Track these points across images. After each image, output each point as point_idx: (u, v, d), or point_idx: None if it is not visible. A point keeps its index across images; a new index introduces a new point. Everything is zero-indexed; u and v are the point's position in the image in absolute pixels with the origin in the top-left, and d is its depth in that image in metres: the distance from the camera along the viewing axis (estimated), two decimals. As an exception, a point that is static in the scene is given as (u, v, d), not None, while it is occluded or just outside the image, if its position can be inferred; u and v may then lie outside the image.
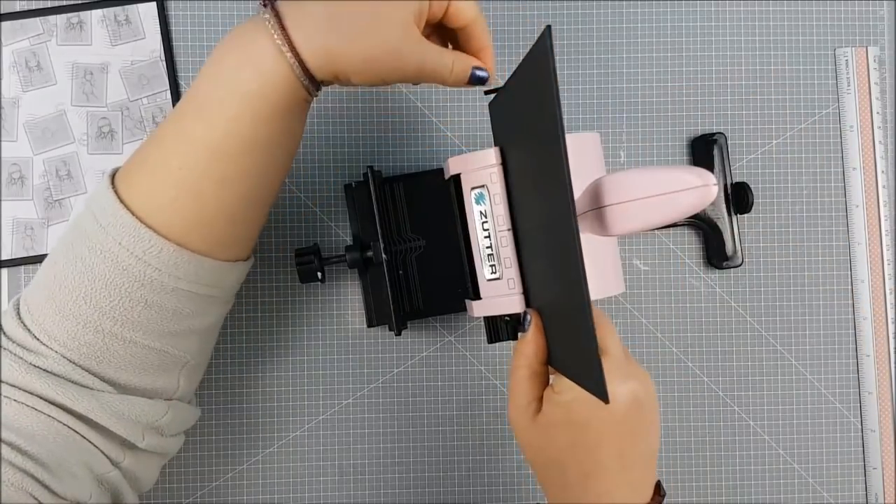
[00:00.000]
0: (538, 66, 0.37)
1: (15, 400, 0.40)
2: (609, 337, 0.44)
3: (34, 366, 0.40)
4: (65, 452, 0.40)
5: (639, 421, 0.43)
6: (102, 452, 0.42)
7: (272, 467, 0.60)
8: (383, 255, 0.52)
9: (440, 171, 0.54)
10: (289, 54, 0.39)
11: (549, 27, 0.36)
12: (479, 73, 0.45)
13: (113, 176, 0.43)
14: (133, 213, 0.41)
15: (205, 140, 0.40)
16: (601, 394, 0.35)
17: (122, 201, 0.41)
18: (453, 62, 0.44)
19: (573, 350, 0.40)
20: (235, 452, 0.60)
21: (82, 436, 0.41)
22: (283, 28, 0.39)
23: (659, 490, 0.45)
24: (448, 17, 0.44)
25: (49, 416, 0.40)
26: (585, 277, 0.35)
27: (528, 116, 0.40)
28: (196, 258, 0.42)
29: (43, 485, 0.38)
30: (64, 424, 0.40)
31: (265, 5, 0.40)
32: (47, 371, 0.40)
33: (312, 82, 0.42)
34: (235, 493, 0.59)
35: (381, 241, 0.53)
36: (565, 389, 0.42)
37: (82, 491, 0.40)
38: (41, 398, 0.40)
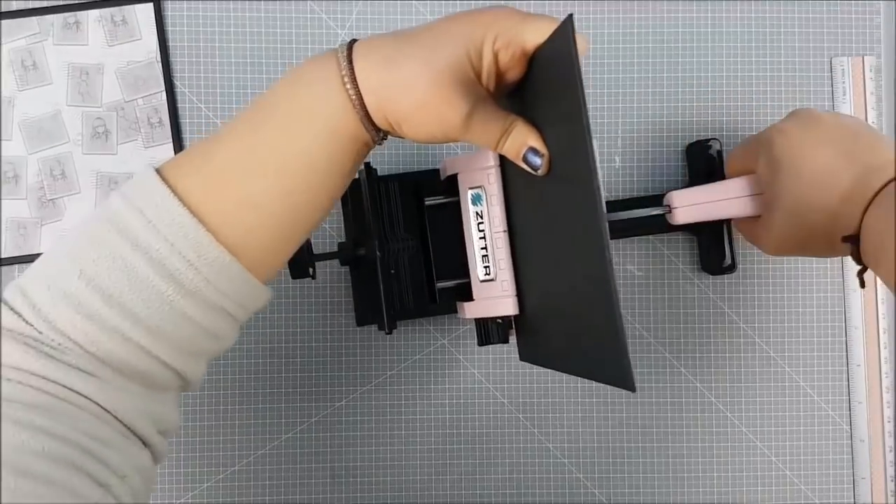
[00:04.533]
0: (557, 59, 0.36)
1: (38, 388, 0.36)
2: None
3: (55, 358, 0.37)
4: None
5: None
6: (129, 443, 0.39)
7: (264, 469, 0.60)
8: (377, 253, 0.52)
9: (436, 171, 0.54)
10: (351, 90, 0.38)
11: (571, 16, 0.34)
12: (531, 157, 0.40)
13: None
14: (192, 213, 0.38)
15: (275, 148, 0.39)
16: (629, 385, 0.34)
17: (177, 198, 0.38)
18: (503, 137, 0.40)
19: (589, 346, 0.39)
20: (227, 454, 0.59)
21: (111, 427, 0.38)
22: (350, 62, 0.39)
23: None
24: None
25: (74, 404, 0.36)
26: (612, 267, 0.34)
27: (542, 110, 0.40)
28: (244, 273, 0.40)
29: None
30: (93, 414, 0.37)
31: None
32: (71, 365, 0.37)
33: (371, 124, 0.40)
34: (227, 495, 0.59)
35: (374, 239, 0.52)
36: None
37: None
38: (66, 387, 0.36)
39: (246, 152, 0.39)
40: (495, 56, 0.39)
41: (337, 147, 0.40)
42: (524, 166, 0.40)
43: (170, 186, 0.38)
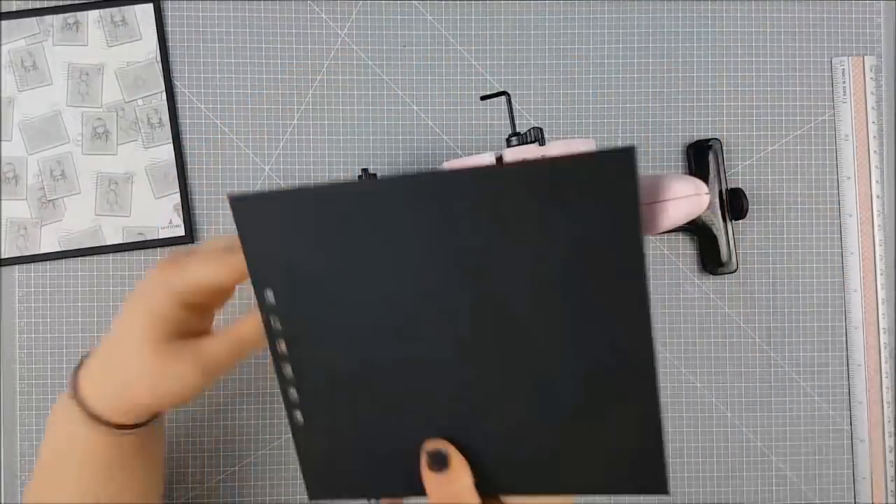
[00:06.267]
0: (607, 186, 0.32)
1: None
2: None
3: None
4: None
5: None
6: None
7: (264, 470, 0.60)
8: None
9: (435, 175, 0.53)
10: (73, 399, 0.42)
11: (633, 148, 0.31)
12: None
13: None
14: None
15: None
16: (662, 487, 0.32)
17: None
18: (240, 335, 0.42)
19: (592, 448, 0.35)
20: (227, 454, 0.60)
21: None
22: (76, 378, 0.43)
23: None
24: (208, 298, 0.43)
25: None
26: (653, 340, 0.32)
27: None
28: None
29: None
30: None
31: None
32: None
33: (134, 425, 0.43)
34: (227, 495, 0.59)
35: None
36: None
37: None
38: None
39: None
40: (185, 302, 0.41)
41: (104, 466, 0.43)
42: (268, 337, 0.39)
43: None
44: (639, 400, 0.33)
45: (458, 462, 0.36)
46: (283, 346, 0.37)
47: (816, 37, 0.62)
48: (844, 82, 0.61)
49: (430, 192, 0.33)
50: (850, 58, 0.61)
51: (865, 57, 0.61)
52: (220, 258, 0.40)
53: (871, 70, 0.61)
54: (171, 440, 0.59)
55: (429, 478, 0.36)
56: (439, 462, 0.36)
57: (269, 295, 0.36)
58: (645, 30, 0.61)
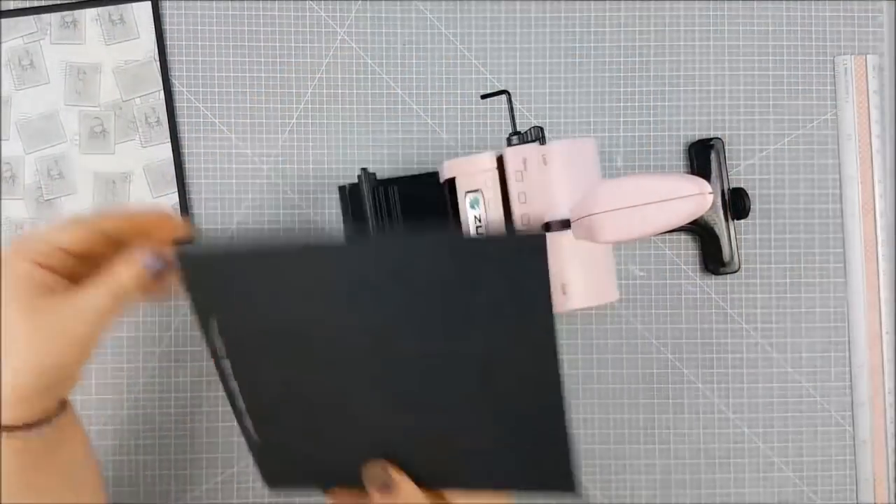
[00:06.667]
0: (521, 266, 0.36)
1: None
2: None
3: None
4: None
5: None
6: None
7: (263, 471, 0.59)
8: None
9: (435, 173, 0.53)
10: None
11: (544, 238, 0.35)
12: (149, 262, 0.40)
13: None
14: None
15: None
16: (570, 486, 0.39)
17: None
18: (119, 281, 0.39)
19: (507, 451, 0.41)
20: (227, 456, 0.59)
21: None
22: None
23: None
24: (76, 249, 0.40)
25: None
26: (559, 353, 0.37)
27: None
28: None
29: None
30: None
31: None
32: None
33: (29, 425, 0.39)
34: (226, 497, 0.59)
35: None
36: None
37: None
38: None
39: None
40: (48, 265, 0.39)
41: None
42: (160, 279, 0.40)
43: None
44: (549, 419, 0.39)
45: (399, 478, 0.41)
46: (228, 366, 0.41)
47: (819, 35, 0.61)
48: (847, 81, 0.61)
49: (363, 257, 0.37)
50: (852, 56, 0.61)
51: (868, 56, 0.61)
52: (71, 224, 0.40)
53: (873, 69, 0.61)
54: (171, 441, 0.59)
55: (378, 499, 0.41)
56: (384, 485, 0.41)
57: (214, 324, 0.39)
58: (646, 29, 0.61)
